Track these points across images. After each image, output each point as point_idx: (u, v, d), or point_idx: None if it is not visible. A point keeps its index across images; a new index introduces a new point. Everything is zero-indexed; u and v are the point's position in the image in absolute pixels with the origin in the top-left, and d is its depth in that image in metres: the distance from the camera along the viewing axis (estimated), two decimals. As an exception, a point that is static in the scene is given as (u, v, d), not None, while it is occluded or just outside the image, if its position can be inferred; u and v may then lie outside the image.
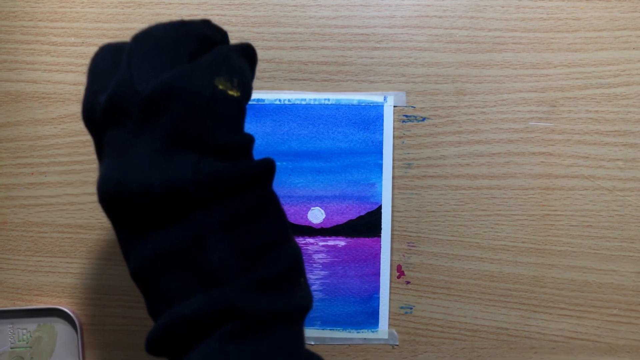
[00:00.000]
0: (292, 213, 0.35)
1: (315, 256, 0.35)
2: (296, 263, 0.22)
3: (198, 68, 0.20)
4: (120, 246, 0.22)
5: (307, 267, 0.35)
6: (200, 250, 0.20)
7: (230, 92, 0.21)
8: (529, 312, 0.34)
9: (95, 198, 0.35)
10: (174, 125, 0.20)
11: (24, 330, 0.35)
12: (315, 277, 0.35)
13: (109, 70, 0.21)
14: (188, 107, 0.20)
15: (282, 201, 0.34)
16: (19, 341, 0.35)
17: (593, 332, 0.34)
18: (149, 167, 0.19)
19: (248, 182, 0.20)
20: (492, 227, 0.34)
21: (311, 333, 0.35)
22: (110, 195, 0.20)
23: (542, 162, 0.34)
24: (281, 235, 0.22)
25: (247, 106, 0.32)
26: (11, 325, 0.35)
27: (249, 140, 0.21)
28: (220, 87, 0.20)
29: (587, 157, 0.34)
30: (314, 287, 0.35)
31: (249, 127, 0.35)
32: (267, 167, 0.21)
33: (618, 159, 0.34)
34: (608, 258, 0.34)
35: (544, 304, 0.34)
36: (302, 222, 0.35)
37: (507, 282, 0.34)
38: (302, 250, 0.34)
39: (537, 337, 0.34)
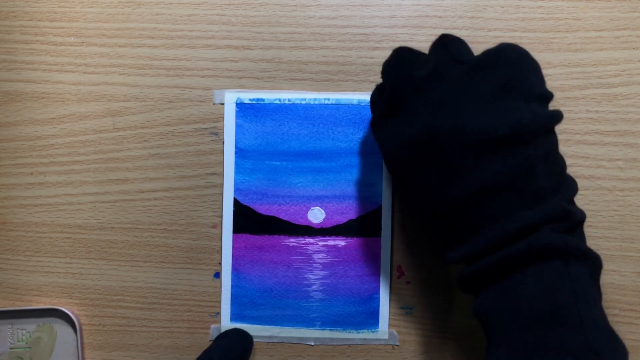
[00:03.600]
0: (292, 213, 0.35)
1: (315, 256, 0.35)
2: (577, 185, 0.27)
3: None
4: (412, 191, 0.27)
5: (306, 267, 0.35)
6: (529, 178, 0.24)
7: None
8: (529, 312, 0.34)
9: (95, 198, 0.35)
10: (505, 78, 0.24)
11: (23, 331, 0.35)
12: (315, 277, 0.35)
13: (415, 59, 0.27)
14: (516, 64, 0.25)
15: (282, 201, 0.35)
16: (18, 341, 0.35)
17: (593, 332, 0.34)
18: (488, 113, 0.24)
19: (556, 123, 0.25)
20: (492, 227, 0.34)
21: (311, 333, 0.35)
22: (442, 140, 0.24)
23: (542, 162, 0.34)
24: (565, 164, 0.26)
25: (247, 106, 0.34)
26: (10, 326, 0.35)
27: (551, 93, 0.26)
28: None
29: (587, 157, 0.34)
30: (314, 287, 0.35)
31: (249, 126, 0.35)
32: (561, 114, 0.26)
33: (618, 159, 0.34)
34: (608, 258, 0.34)
35: (544, 304, 0.34)
36: (302, 221, 0.34)
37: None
38: (302, 251, 0.35)
39: (538, 338, 0.34)
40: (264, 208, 0.35)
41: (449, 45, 0.26)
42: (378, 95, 0.29)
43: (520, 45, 0.26)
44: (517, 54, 0.25)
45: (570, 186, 0.26)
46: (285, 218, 0.35)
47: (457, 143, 0.24)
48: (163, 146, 0.35)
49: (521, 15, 0.34)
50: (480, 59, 0.25)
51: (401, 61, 0.27)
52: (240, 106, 0.35)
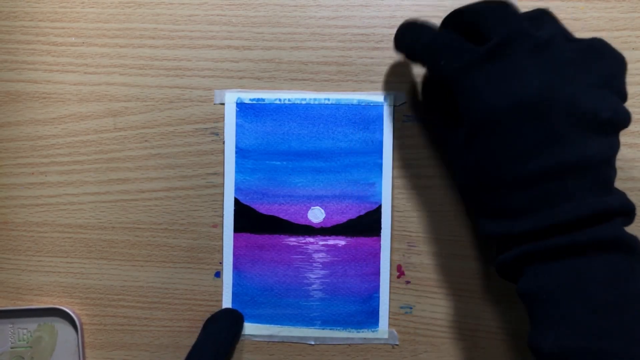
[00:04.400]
0: (292, 212, 0.35)
1: (315, 255, 0.35)
2: None
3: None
4: (493, 151, 0.26)
5: (307, 267, 0.35)
6: (607, 167, 0.25)
7: None
8: (529, 311, 0.34)
9: (96, 197, 0.35)
10: (611, 70, 0.26)
11: (24, 330, 0.35)
12: (315, 276, 0.35)
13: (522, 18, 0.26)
14: (618, 61, 0.26)
15: (282, 200, 0.35)
16: (19, 341, 0.35)
17: (593, 331, 0.34)
18: (596, 95, 0.25)
19: (629, 124, 0.26)
20: (492, 227, 0.34)
21: (311, 333, 0.35)
22: (556, 106, 0.24)
23: (541, 161, 0.34)
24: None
25: (247, 106, 0.34)
26: (11, 325, 0.35)
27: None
28: None
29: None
30: (314, 287, 0.35)
31: (249, 126, 0.35)
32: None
33: (617, 159, 0.34)
34: (608, 258, 0.34)
35: (543, 303, 0.34)
36: (302, 221, 0.35)
37: (507, 282, 0.34)
38: (302, 250, 0.35)
39: (537, 337, 0.34)
40: (264, 207, 0.35)
41: (557, 20, 0.27)
42: (459, 37, 0.27)
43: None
44: (617, 53, 0.27)
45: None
46: (286, 217, 0.35)
47: (568, 112, 0.24)
48: (164, 146, 0.35)
49: (521, 15, 0.34)
50: (591, 44, 0.26)
51: (509, 11, 0.26)
52: (241, 106, 0.35)
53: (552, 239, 0.25)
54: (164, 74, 0.35)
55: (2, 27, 0.36)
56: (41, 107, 0.35)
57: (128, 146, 0.35)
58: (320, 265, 0.35)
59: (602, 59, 0.26)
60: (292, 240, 0.35)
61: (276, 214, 0.35)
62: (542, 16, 0.27)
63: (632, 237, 0.24)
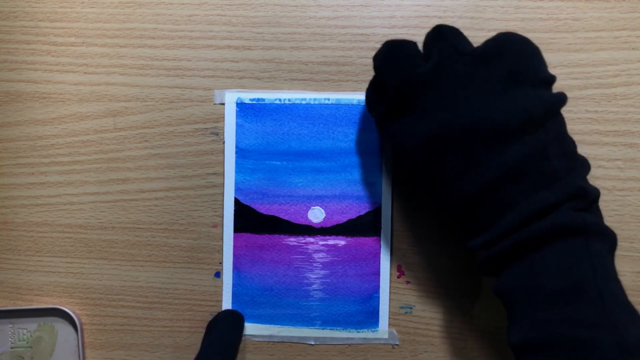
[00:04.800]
0: (292, 212, 0.35)
1: (315, 255, 0.35)
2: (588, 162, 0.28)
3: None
4: (430, 185, 0.27)
5: (307, 266, 0.35)
6: (543, 160, 0.25)
7: None
8: (529, 311, 0.34)
9: (96, 197, 0.35)
10: (511, 67, 0.25)
11: (24, 330, 0.35)
12: (315, 276, 0.35)
13: (411, 52, 0.27)
14: (519, 52, 0.25)
15: (282, 200, 0.35)
16: (19, 341, 0.35)
17: (593, 331, 0.34)
18: (500, 104, 0.25)
19: (562, 105, 0.26)
20: (492, 227, 0.34)
21: (311, 333, 0.35)
22: (460, 134, 0.25)
23: (541, 161, 0.34)
24: (575, 144, 0.27)
25: (247, 106, 0.34)
26: (11, 325, 0.35)
27: (554, 76, 0.27)
28: None
29: (586, 157, 0.34)
30: (314, 287, 0.35)
31: (249, 126, 0.35)
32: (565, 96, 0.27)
33: (617, 159, 0.34)
34: (608, 258, 0.34)
35: (543, 303, 0.34)
36: (302, 221, 0.35)
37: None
38: (303, 250, 0.35)
39: (537, 337, 0.34)
40: (264, 207, 0.35)
41: (448, 37, 0.26)
42: (374, 92, 0.29)
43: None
44: (518, 42, 0.26)
45: (582, 165, 0.27)
46: (286, 217, 0.35)
47: (475, 136, 0.25)
48: (164, 146, 0.35)
49: (521, 15, 0.34)
50: (484, 51, 0.25)
51: (398, 57, 0.27)
52: (241, 106, 0.35)
53: (501, 243, 0.25)
54: (164, 74, 0.35)
55: (2, 27, 0.36)
56: (41, 107, 0.35)
57: (128, 146, 0.35)
58: (320, 265, 0.35)
59: (502, 57, 0.25)
60: (292, 240, 0.35)
61: (276, 214, 0.35)
62: (433, 39, 0.27)
63: (580, 219, 0.24)
